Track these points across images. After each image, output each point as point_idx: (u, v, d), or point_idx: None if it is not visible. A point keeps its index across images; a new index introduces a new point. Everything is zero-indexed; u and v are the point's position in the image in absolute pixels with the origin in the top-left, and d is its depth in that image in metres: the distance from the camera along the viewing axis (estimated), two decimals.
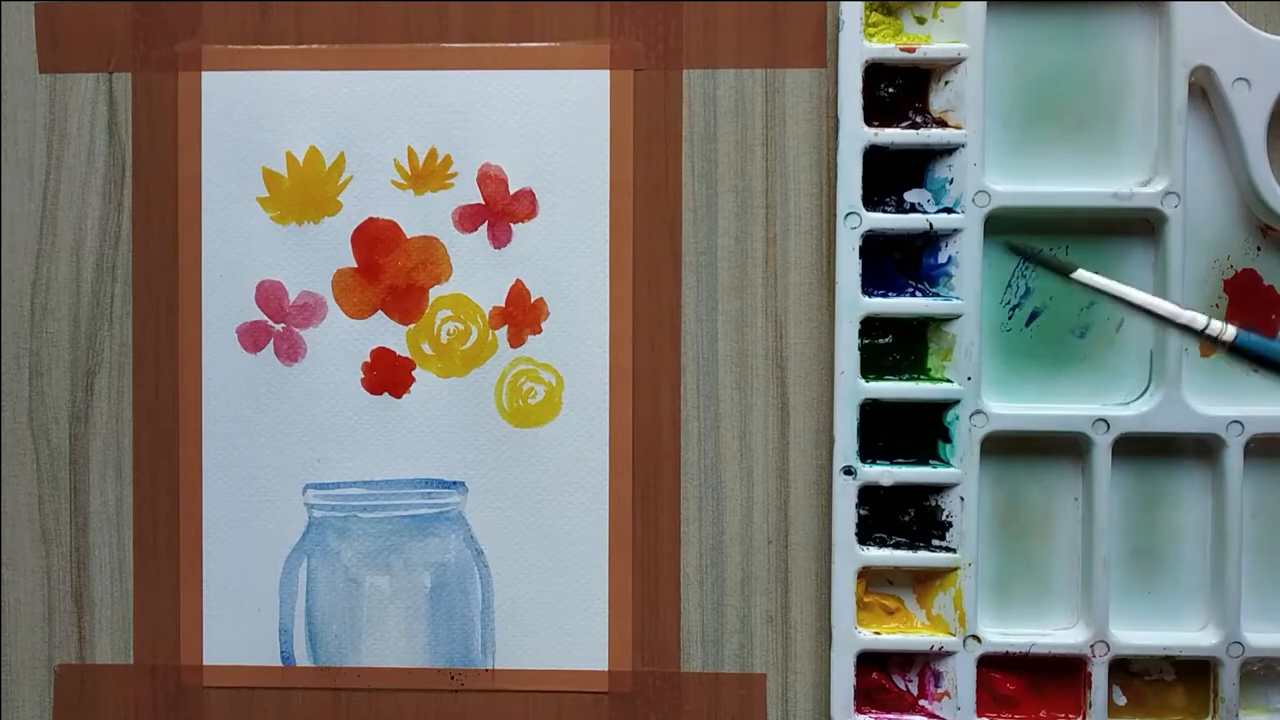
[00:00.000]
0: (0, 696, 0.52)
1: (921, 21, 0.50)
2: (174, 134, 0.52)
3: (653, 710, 0.51)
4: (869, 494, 0.50)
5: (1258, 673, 0.50)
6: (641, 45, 0.51)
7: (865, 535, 0.50)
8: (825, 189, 0.51)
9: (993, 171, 0.50)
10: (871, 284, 0.50)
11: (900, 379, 0.50)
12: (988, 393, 0.50)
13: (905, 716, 0.50)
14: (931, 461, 0.50)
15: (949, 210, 0.50)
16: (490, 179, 0.51)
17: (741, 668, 0.51)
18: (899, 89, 0.50)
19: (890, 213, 0.50)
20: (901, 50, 0.49)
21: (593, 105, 0.51)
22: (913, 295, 0.50)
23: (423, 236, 0.51)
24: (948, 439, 0.50)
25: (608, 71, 0.51)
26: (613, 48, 0.51)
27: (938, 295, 0.50)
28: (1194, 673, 0.50)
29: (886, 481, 0.50)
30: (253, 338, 0.52)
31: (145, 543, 0.52)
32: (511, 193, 0.51)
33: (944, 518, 0.50)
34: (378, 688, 0.52)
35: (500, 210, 0.51)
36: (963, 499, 0.49)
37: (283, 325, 0.52)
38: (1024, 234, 0.50)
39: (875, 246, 0.50)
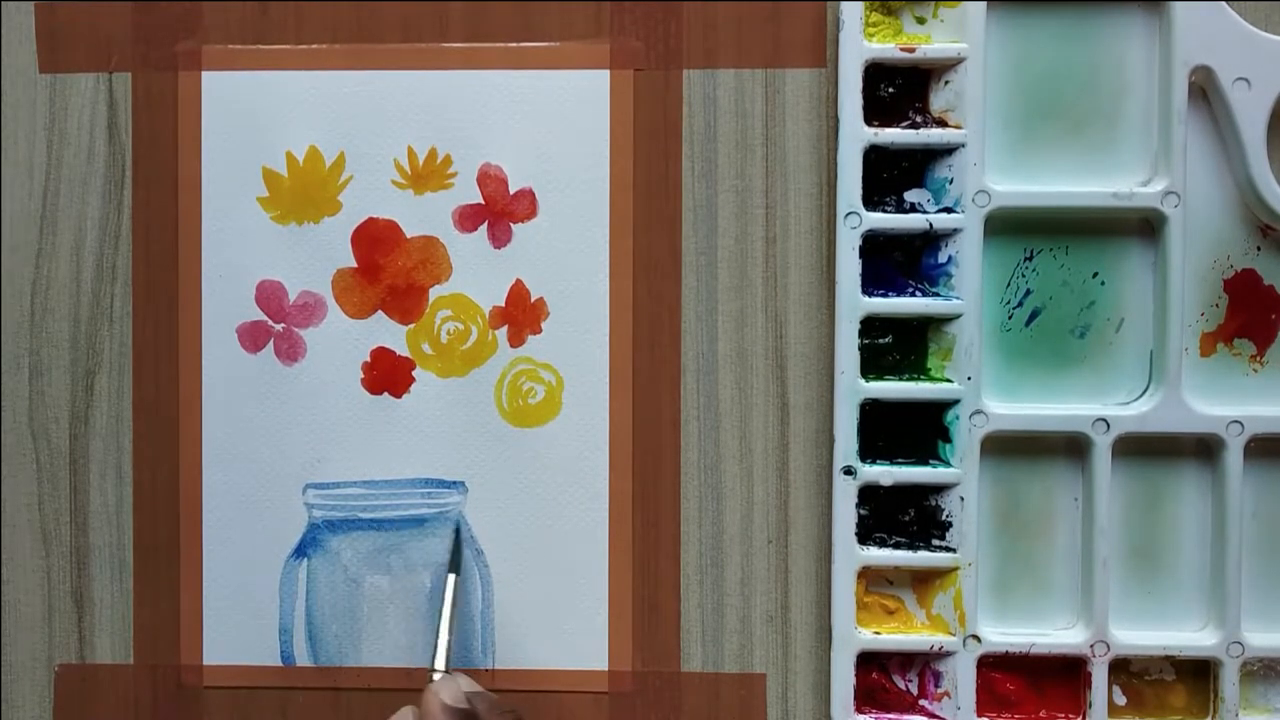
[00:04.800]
0: (0, 696, 0.52)
1: (921, 21, 0.50)
2: (174, 134, 0.52)
3: (653, 710, 0.51)
4: (869, 494, 0.50)
5: (1258, 673, 0.50)
6: (641, 45, 0.51)
7: (865, 535, 0.50)
8: (825, 189, 0.51)
9: (993, 171, 0.50)
10: (871, 284, 0.50)
11: (900, 379, 0.50)
12: (988, 393, 0.50)
13: (905, 716, 0.50)
14: (931, 461, 0.50)
15: (949, 210, 0.50)
16: (490, 179, 0.51)
17: (741, 668, 0.51)
18: (899, 89, 0.50)
19: (890, 213, 0.50)
20: (901, 50, 0.49)
21: (593, 105, 0.51)
22: (913, 295, 0.50)
23: (423, 236, 0.51)
24: (948, 439, 0.50)
25: (608, 71, 0.51)
26: (613, 48, 0.51)
27: (938, 295, 0.50)
28: (1194, 673, 0.50)
29: (886, 481, 0.50)
30: (253, 338, 0.52)
31: (145, 543, 0.52)
32: (511, 193, 0.51)
33: (944, 518, 0.50)
34: (378, 688, 0.52)
35: (500, 210, 0.51)
36: (963, 499, 0.49)
37: (283, 325, 0.52)
38: (1024, 234, 0.50)
39: (875, 246, 0.50)
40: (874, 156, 0.50)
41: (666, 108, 0.51)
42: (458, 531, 0.51)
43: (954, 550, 0.50)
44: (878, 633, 0.50)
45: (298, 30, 0.51)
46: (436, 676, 0.47)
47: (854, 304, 0.50)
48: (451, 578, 0.49)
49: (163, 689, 0.52)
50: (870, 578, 0.51)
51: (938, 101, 0.50)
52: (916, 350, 0.51)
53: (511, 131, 0.51)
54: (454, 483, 0.51)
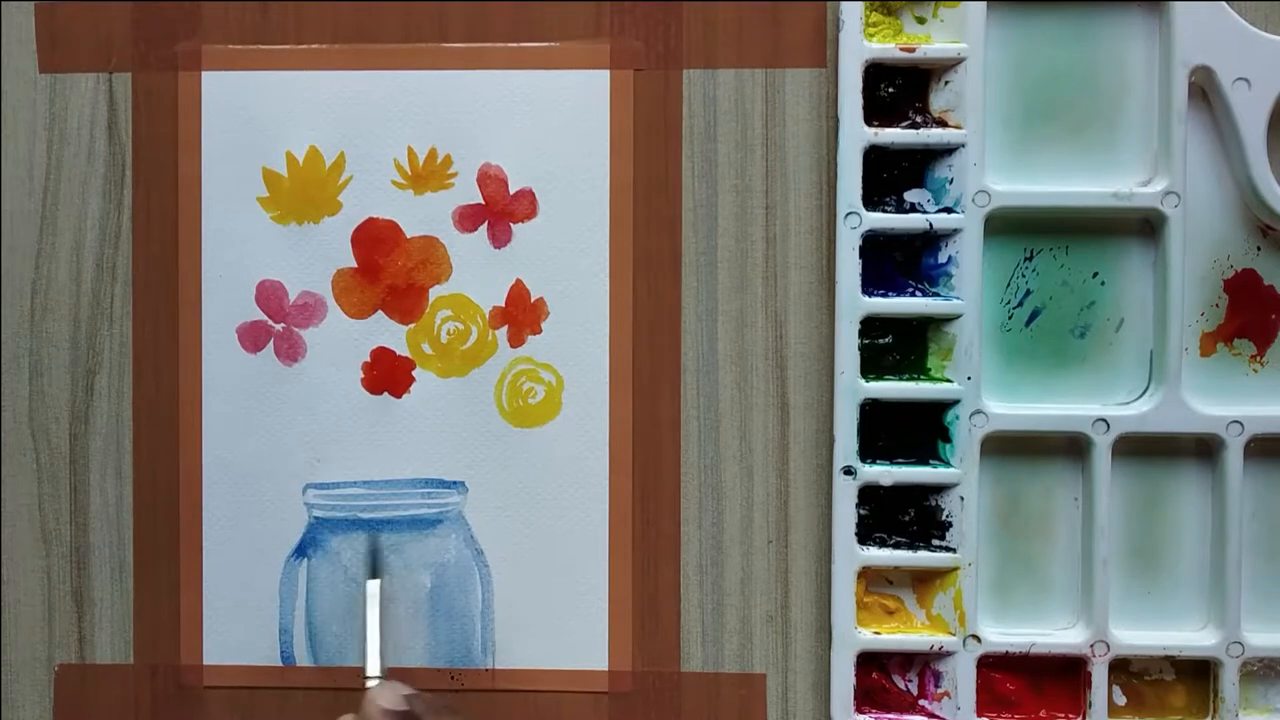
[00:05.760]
0: (0, 696, 0.52)
1: (921, 21, 0.50)
2: (174, 134, 0.52)
3: (653, 710, 0.51)
4: (869, 494, 0.50)
5: (1258, 673, 0.50)
6: (641, 45, 0.51)
7: (865, 535, 0.50)
8: (825, 189, 0.51)
9: (993, 171, 0.50)
10: (871, 284, 0.50)
11: (900, 379, 0.50)
12: (988, 393, 0.50)
13: (905, 716, 0.50)
14: (931, 461, 0.50)
15: (949, 210, 0.50)
16: (490, 179, 0.51)
17: (741, 668, 0.51)
18: (899, 89, 0.50)
19: (890, 213, 0.50)
20: (901, 50, 0.49)
21: (593, 105, 0.51)
22: (913, 295, 0.50)
23: (423, 236, 0.51)
24: (948, 439, 0.50)
25: (608, 71, 0.51)
26: (613, 48, 0.51)
27: (938, 295, 0.50)
28: (1194, 673, 0.50)
29: (886, 481, 0.50)
30: (253, 338, 0.52)
31: (145, 543, 0.52)
32: (511, 193, 0.51)
33: (944, 518, 0.50)
34: None
35: (500, 210, 0.51)
36: (963, 499, 0.49)
37: (283, 325, 0.52)
38: (1024, 234, 0.50)
39: (875, 246, 0.50)
40: (874, 156, 0.50)
41: (666, 108, 0.51)
42: (376, 537, 0.51)
43: (954, 550, 0.50)
44: (878, 633, 0.50)
45: (298, 30, 0.51)
46: (371, 683, 0.47)
47: (854, 304, 0.50)
48: (375, 583, 0.49)
49: (163, 689, 0.52)
50: (870, 578, 0.51)
51: (938, 101, 0.50)
52: (916, 350, 0.51)
53: (511, 131, 0.51)
54: (454, 483, 0.51)
